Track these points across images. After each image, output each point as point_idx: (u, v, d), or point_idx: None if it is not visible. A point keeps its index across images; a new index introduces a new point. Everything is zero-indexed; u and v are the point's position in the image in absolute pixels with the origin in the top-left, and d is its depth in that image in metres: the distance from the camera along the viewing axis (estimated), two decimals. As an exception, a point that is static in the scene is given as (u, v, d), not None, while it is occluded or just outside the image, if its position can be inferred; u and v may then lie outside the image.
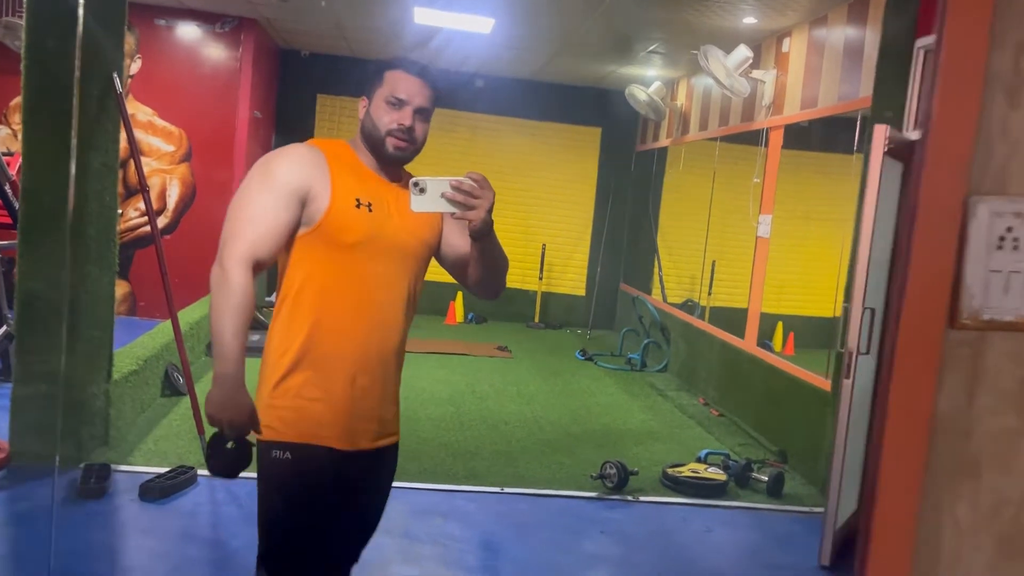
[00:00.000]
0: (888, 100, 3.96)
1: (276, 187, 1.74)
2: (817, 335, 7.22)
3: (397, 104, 1.79)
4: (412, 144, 1.82)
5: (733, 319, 6.55)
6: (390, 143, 1.79)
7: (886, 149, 3.33)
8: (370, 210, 1.79)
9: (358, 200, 1.78)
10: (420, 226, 1.88)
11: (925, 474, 1.10)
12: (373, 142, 1.81)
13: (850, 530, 3.72)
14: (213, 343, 1.68)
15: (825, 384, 4.47)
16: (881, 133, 3.30)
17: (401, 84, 1.80)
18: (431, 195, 1.67)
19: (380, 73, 1.83)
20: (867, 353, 3.47)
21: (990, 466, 1.10)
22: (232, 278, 1.67)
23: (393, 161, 1.83)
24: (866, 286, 3.35)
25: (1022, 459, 1.10)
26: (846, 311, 3.43)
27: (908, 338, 1.09)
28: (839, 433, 3.42)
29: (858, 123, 4.47)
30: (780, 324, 7.05)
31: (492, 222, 1.72)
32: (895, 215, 3.75)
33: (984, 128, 1.06)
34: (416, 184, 1.66)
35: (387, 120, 1.79)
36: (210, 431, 1.70)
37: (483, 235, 1.74)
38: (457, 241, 1.93)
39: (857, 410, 3.50)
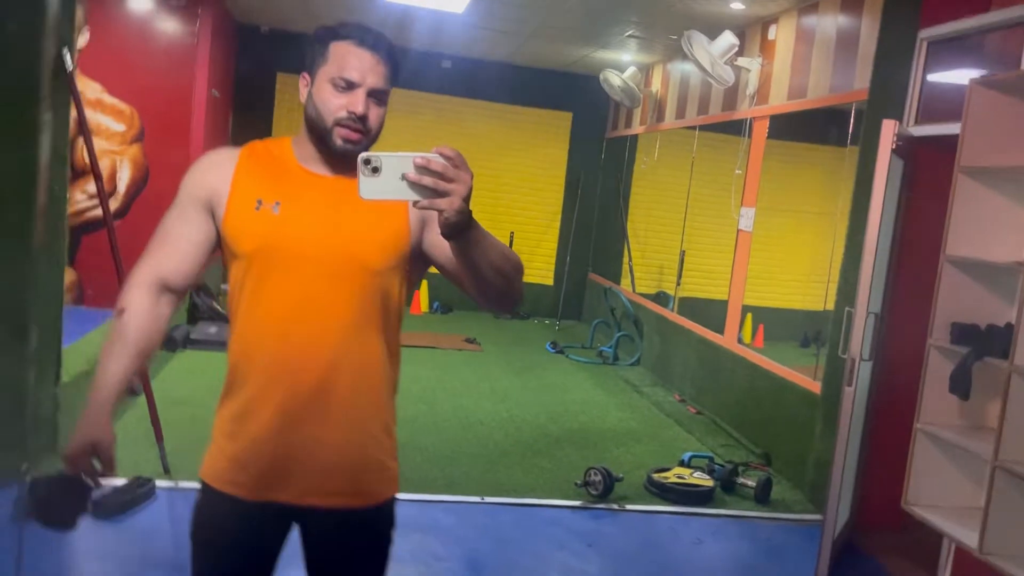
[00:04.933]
0: (886, 93, 3.81)
1: (181, 199, 1.56)
2: (787, 327, 7.16)
3: (346, 87, 1.47)
4: (366, 135, 1.49)
5: (700, 309, 6.43)
6: (339, 135, 1.47)
7: (894, 147, 3.17)
8: (276, 211, 1.48)
9: (259, 201, 1.49)
10: (369, 229, 1.49)
11: None
12: (318, 133, 1.49)
13: (843, 542, 3.60)
14: None
15: (811, 384, 4.35)
16: (889, 129, 3.14)
17: (350, 61, 1.47)
18: (388, 177, 1.23)
19: (324, 45, 1.50)
20: (869, 360, 3.34)
21: None
22: (123, 299, 1.51)
23: (343, 155, 1.49)
24: (871, 290, 3.21)
25: None
26: (848, 315, 3.28)
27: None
28: (840, 442, 3.28)
29: (852, 116, 4.33)
30: (749, 315, 6.96)
31: (470, 213, 1.29)
32: (894, 214, 3.62)
33: None
34: (367, 162, 1.22)
35: (334, 106, 1.46)
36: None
37: (459, 231, 1.29)
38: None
39: (854, 416, 3.37)
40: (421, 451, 4.26)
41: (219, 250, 1.57)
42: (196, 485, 1.58)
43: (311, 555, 1.61)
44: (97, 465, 1.44)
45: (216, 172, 1.54)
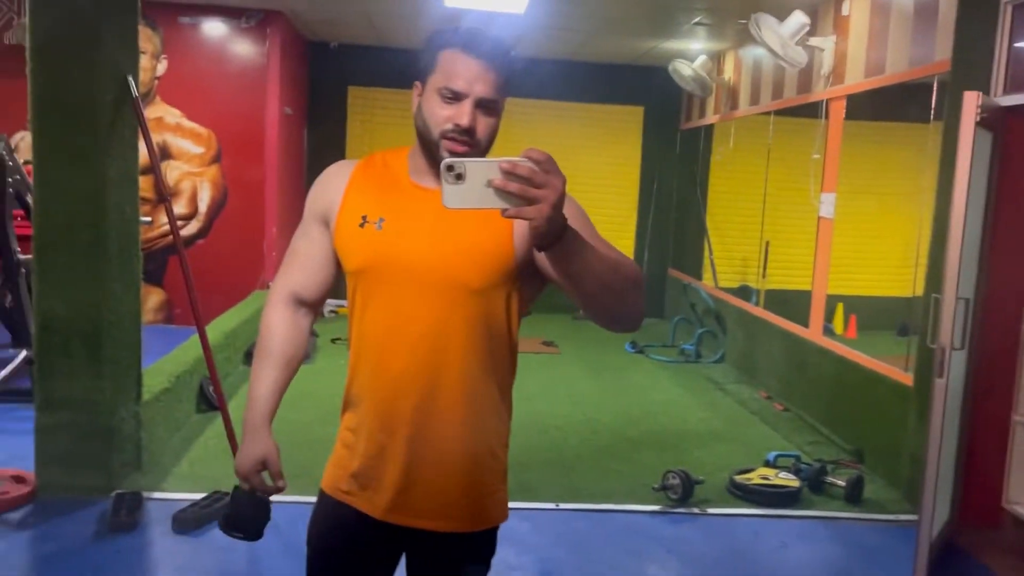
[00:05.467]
0: (970, 62, 3.56)
1: (304, 215, 1.60)
2: (881, 316, 6.82)
3: (453, 97, 1.40)
4: (474, 147, 1.42)
5: (789, 301, 6.18)
6: (445, 147, 1.40)
7: (978, 119, 2.95)
8: (379, 227, 1.46)
9: (364, 218, 1.47)
10: (469, 246, 1.42)
11: None
12: (426, 144, 1.44)
13: (943, 543, 3.38)
14: None
15: (903, 376, 4.10)
16: (972, 101, 2.93)
17: (457, 69, 1.40)
18: (473, 184, 1.13)
19: (433, 52, 1.44)
20: (961, 348, 3.11)
21: None
22: (263, 318, 1.61)
23: None
24: (959, 274, 2.99)
25: None
26: (936, 302, 3.06)
27: None
28: (932, 438, 3.07)
29: (934, 89, 4.07)
30: (840, 305, 6.66)
31: (564, 221, 1.17)
32: (985, 191, 3.37)
33: None
34: (450, 168, 1.13)
35: (440, 118, 1.40)
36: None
37: (551, 241, 1.18)
38: None
39: (948, 410, 3.15)
40: (495, 457, 4.21)
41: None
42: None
43: (385, 560, 1.61)
44: (267, 478, 1.55)
45: (331, 187, 1.55)
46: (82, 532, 3.17)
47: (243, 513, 1.57)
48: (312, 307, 1.61)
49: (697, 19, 6.17)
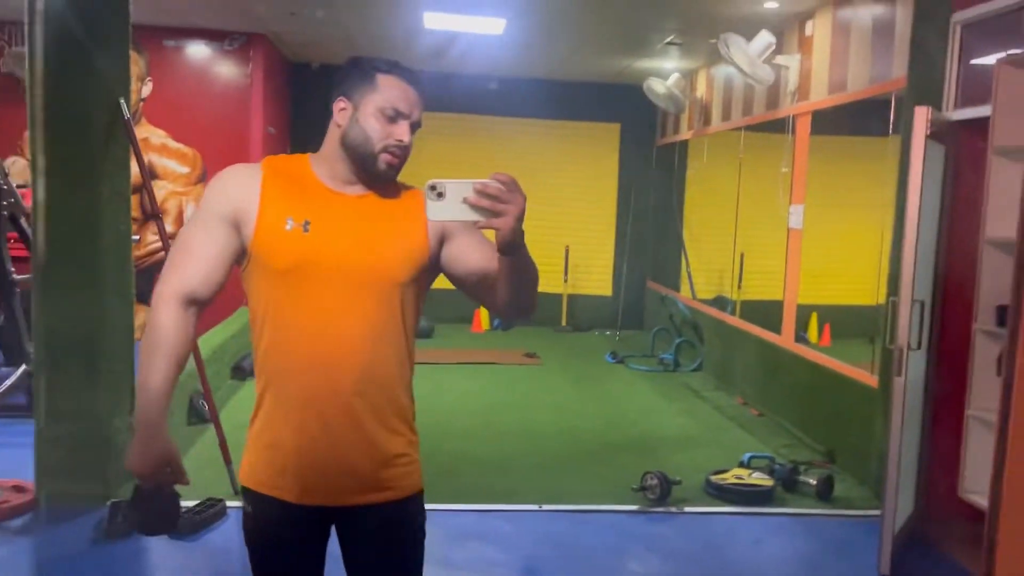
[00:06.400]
0: (924, 79, 3.76)
1: (205, 213, 1.61)
2: (853, 324, 6.99)
3: (395, 117, 1.60)
4: (403, 160, 1.63)
5: (765, 312, 6.36)
6: (384, 160, 1.60)
7: (928, 132, 3.15)
8: (306, 230, 1.58)
9: (290, 220, 1.58)
10: (392, 244, 1.62)
11: None
12: (361, 156, 1.60)
13: (908, 535, 3.54)
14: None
15: (870, 379, 4.29)
16: (922, 116, 3.12)
17: (399, 94, 1.61)
18: (451, 200, 1.42)
19: (370, 75, 1.62)
20: (918, 348, 3.29)
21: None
22: (154, 315, 1.56)
23: (383, 179, 1.63)
24: (914, 278, 3.17)
25: None
26: (893, 305, 3.24)
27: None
28: (893, 434, 3.24)
29: (892, 104, 4.28)
30: (814, 315, 6.84)
31: (523, 232, 1.46)
32: (939, 200, 3.57)
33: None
34: (433, 188, 1.42)
35: (382, 134, 1.59)
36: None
37: (514, 248, 1.47)
38: (476, 258, 1.64)
39: (908, 407, 3.32)
40: (479, 463, 4.35)
41: (236, 264, 1.63)
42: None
43: (347, 552, 1.72)
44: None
45: (241, 188, 1.60)
46: (80, 539, 3.27)
47: (160, 511, 1.61)
48: (201, 307, 1.61)
49: (669, 39, 6.39)
